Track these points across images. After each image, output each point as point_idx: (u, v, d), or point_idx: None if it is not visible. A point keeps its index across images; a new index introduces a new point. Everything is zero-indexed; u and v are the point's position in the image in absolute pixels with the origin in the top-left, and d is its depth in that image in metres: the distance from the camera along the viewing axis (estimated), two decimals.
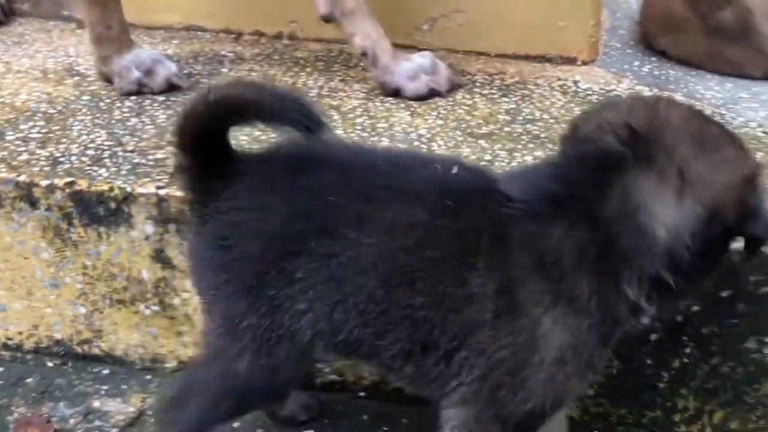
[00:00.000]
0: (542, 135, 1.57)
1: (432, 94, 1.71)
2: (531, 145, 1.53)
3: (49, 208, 1.39)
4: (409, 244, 1.01)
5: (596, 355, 1.02)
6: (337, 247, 1.01)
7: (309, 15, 1.99)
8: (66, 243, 1.41)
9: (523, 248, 1.00)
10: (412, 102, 1.70)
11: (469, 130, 1.59)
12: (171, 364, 1.46)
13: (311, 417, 1.34)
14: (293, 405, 1.33)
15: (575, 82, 1.83)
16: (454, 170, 1.07)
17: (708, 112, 1.65)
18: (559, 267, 0.98)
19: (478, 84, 1.82)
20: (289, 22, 2.03)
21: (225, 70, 1.84)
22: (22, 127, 1.57)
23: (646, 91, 1.75)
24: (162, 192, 1.34)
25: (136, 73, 1.68)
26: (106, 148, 1.48)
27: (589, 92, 1.76)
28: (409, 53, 1.77)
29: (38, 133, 1.55)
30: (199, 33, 2.06)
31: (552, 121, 1.63)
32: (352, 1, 1.69)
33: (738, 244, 1.02)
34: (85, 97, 1.69)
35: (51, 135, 1.54)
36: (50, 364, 1.48)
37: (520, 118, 1.65)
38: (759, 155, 1.51)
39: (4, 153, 1.47)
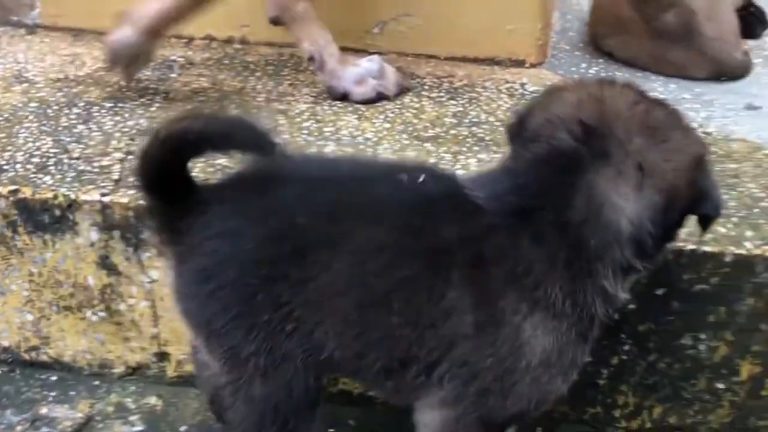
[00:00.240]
0: (487, 138, 1.60)
1: (380, 97, 1.73)
2: (476, 148, 1.56)
3: None
4: (380, 267, 1.00)
5: (579, 353, 1.04)
6: (313, 271, 1.00)
7: (260, 19, 1.99)
8: (11, 251, 1.40)
9: (495, 260, 1.00)
10: (360, 105, 1.71)
11: (415, 133, 1.61)
12: (119, 370, 1.46)
13: None
14: None
15: (522, 85, 1.86)
16: (421, 179, 1.04)
17: None
18: (532, 275, 0.99)
19: (426, 87, 1.84)
20: (240, 26, 2.03)
21: (174, 75, 1.85)
22: None
23: None
24: (106, 199, 1.34)
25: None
26: (51, 155, 1.48)
27: (536, 95, 1.79)
28: (358, 57, 1.78)
29: None
30: None
31: (498, 123, 1.66)
32: (301, 6, 1.70)
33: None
34: (32, 104, 1.69)
35: None
36: None
37: (467, 120, 1.68)
38: None
39: None
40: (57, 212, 1.36)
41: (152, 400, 1.43)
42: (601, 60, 2.06)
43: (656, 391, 1.36)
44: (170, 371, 1.46)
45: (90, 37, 2.02)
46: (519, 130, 1.05)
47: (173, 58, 1.94)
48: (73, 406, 1.40)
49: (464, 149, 1.56)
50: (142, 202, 1.09)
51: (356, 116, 1.67)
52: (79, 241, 1.38)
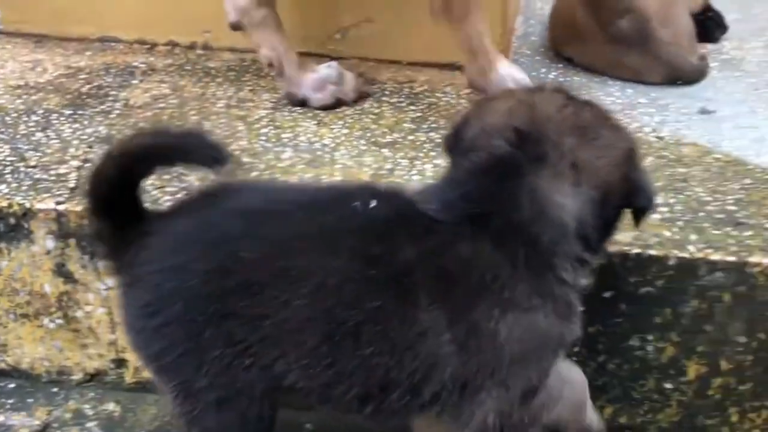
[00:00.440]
0: None
1: (339, 103, 1.75)
2: (432, 154, 1.58)
3: None
4: (346, 300, 0.99)
5: (565, 332, 1.06)
6: (268, 308, 0.99)
7: (223, 25, 1.99)
8: None
9: (458, 272, 1.01)
10: (319, 111, 1.73)
11: (373, 139, 1.63)
12: (77, 376, 1.47)
13: None
14: None
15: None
16: (373, 204, 1.04)
17: None
18: (497, 279, 1.00)
19: (387, 92, 1.86)
20: (203, 32, 2.05)
21: (135, 81, 1.86)
22: None
23: None
24: (61, 207, 1.35)
25: None
26: (8, 163, 1.49)
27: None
28: (318, 64, 1.80)
29: None
30: (113, 44, 2.06)
31: None
32: (261, 12, 1.71)
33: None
34: None
35: None
36: None
37: (425, 126, 1.70)
38: (649, 159, 1.59)
39: None
40: (12, 221, 1.37)
41: (110, 406, 1.44)
42: (560, 65, 2.08)
43: (606, 391, 1.39)
44: (128, 377, 1.47)
45: (52, 44, 2.02)
46: (456, 141, 1.08)
47: (135, 64, 1.95)
48: (31, 414, 1.41)
49: (421, 155, 1.58)
50: (90, 225, 1.07)
51: (315, 122, 1.69)
52: (35, 249, 1.39)
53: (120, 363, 1.46)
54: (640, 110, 1.83)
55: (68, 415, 1.41)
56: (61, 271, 1.39)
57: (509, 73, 1.74)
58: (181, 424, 1.08)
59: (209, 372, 1.01)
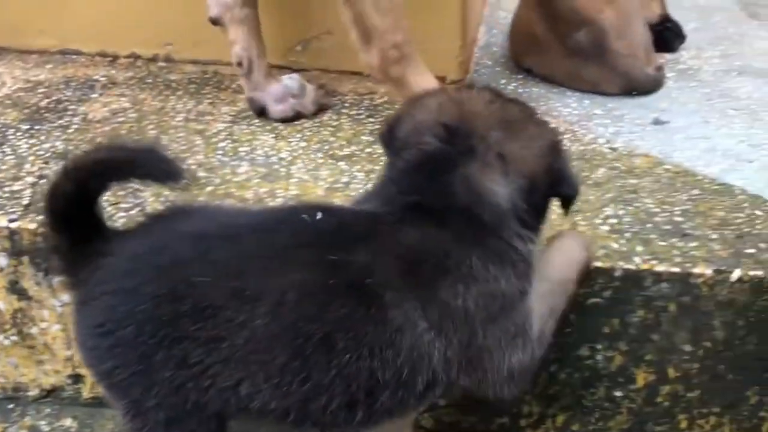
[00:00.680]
0: None
1: (298, 116, 1.76)
2: None
3: None
4: (309, 313, 1.00)
5: (526, 286, 1.11)
6: (224, 330, 0.99)
7: (185, 37, 2.04)
8: None
9: (416, 262, 1.04)
10: (278, 124, 1.74)
11: (331, 152, 1.65)
12: (33, 393, 1.47)
13: None
14: None
15: None
16: (319, 216, 1.07)
17: (562, 129, 1.77)
18: (452, 259, 1.04)
19: (347, 104, 1.87)
20: (165, 44, 2.05)
21: (95, 95, 1.86)
22: None
23: None
24: (14, 225, 1.36)
25: None
26: None
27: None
28: (282, 74, 1.81)
29: None
30: (74, 57, 2.06)
31: None
32: (243, 11, 1.71)
33: None
34: None
35: None
36: None
37: None
38: (602, 171, 1.62)
39: None
40: None
41: (67, 422, 1.44)
42: (520, 76, 2.11)
43: (558, 400, 1.42)
44: (85, 392, 1.47)
45: (12, 56, 2.02)
46: (390, 139, 1.14)
47: (96, 77, 1.96)
48: None
49: (377, 168, 1.59)
50: (45, 241, 1.07)
51: (273, 135, 1.70)
52: None
53: (77, 378, 1.47)
54: (595, 121, 1.85)
55: None
56: (14, 288, 1.39)
57: None
58: None
59: (159, 393, 1.01)
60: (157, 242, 1.04)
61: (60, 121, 1.72)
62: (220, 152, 1.62)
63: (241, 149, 1.64)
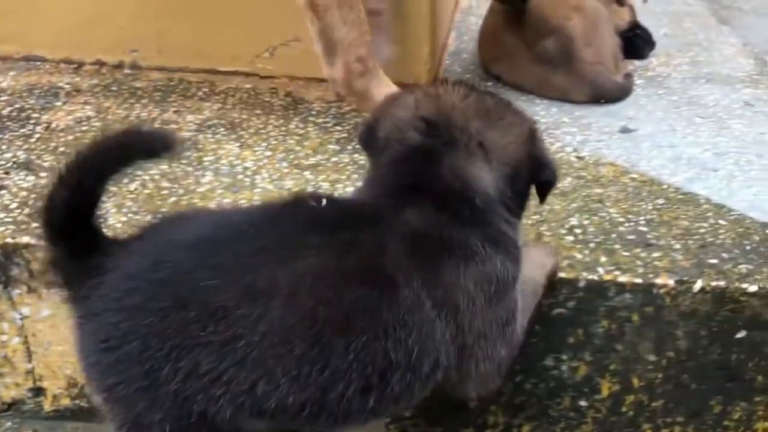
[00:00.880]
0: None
1: None
2: (355, 176, 1.59)
3: None
4: (325, 296, 0.99)
5: (517, 267, 1.14)
6: (240, 329, 0.97)
7: (150, 44, 2.02)
8: None
9: (419, 243, 1.06)
10: (243, 133, 1.73)
11: (296, 161, 1.64)
12: None
13: None
14: None
15: None
16: (324, 203, 1.08)
17: None
18: (452, 239, 1.07)
19: (314, 112, 1.86)
20: (131, 51, 2.03)
21: (59, 103, 1.83)
22: None
23: None
24: None
25: None
26: None
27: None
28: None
29: None
30: (38, 63, 2.03)
31: None
32: None
33: None
34: None
35: None
36: None
37: (349, 147, 1.70)
38: (568, 180, 1.62)
39: None
40: None
41: None
42: (489, 83, 2.10)
43: (524, 410, 1.41)
44: (47, 406, 1.45)
45: None
46: (370, 139, 1.15)
47: (60, 84, 1.93)
48: None
49: (343, 177, 1.59)
50: (45, 254, 1.03)
51: (238, 144, 1.69)
52: None
53: (38, 392, 1.44)
54: (563, 129, 1.85)
55: None
56: None
57: None
58: None
59: (163, 407, 0.99)
60: (156, 256, 1.00)
61: (23, 130, 1.70)
62: (185, 162, 1.60)
63: (205, 159, 1.62)
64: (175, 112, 1.82)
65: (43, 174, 1.53)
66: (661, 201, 1.54)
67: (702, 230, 1.45)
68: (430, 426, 1.43)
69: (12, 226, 1.37)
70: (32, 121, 1.74)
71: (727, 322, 1.33)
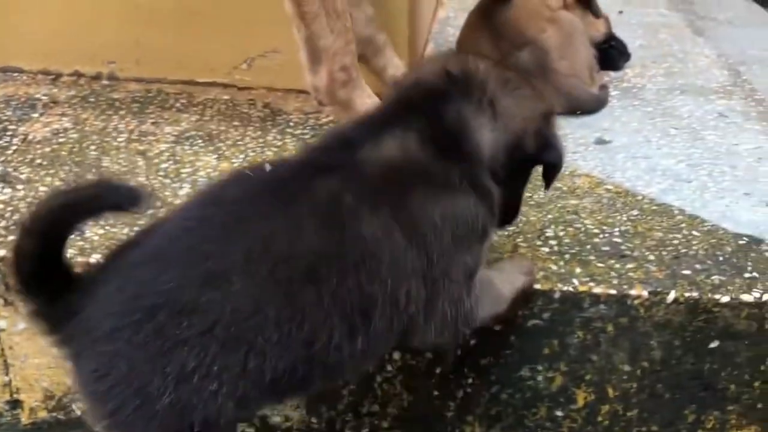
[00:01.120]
0: None
1: None
2: None
3: None
4: (282, 253, 1.00)
5: (488, 223, 1.15)
6: (210, 315, 0.98)
7: (129, 55, 2.01)
8: None
9: (390, 175, 1.08)
10: (221, 145, 1.73)
11: None
12: None
13: None
14: None
15: None
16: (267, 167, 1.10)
17: None
18: (426, 171, 1.10)
19: (291, 124, 1.87)
20: (108, 62, 2.03)
21: (36, 115, 1.83)
22: None
23: None
24: None
25: None
26: None
27: None
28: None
29: None
30: (15, 74, 2.03)
31: None
32: None
33: None
34: None
35: None
36: None
37: None
38: (543, 191, 1.63)
39: None
40: None
41: None
42: None
43: (500, 420, 1.42)
44: (24, 418, 1.44)
45: None
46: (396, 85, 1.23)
47: (37, 96, 1.92)
48: None
49: None
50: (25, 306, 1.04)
51: (216, 156, 1.69)
52: None
53: (15, 404, 1.43)
54: None
55: None
56: None
57: None
58: None
59: (163, 423, 1.00)
60: (120, 281, 1.01)
61: None
62: (162, 174, 1.60)
63: (183, 171, 1.62)
64: (152, 123, 1.82)
65: (20, 186, 1.53)
66: (635, 212, 1.56)
67: (675, 241, 1.47)
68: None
69: None
70: (9, 133, 1.73)
71: (700, 332, 1.35)
